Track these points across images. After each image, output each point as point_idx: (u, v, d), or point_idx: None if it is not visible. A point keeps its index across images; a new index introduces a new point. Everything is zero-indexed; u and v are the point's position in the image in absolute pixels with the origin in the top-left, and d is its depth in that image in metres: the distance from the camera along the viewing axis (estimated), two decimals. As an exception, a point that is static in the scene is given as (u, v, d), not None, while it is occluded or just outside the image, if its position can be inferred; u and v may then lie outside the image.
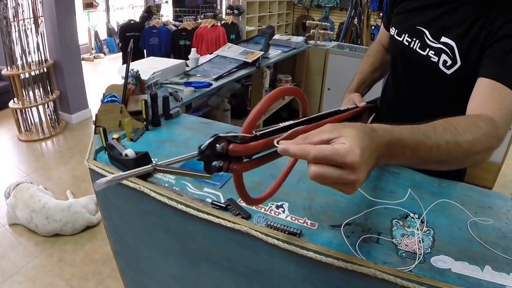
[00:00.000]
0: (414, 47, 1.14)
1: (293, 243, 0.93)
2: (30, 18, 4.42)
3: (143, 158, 1.26)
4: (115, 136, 1.46)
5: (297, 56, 3.50)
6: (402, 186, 1.16)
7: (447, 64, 1.05)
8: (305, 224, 0.99)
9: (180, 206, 1.09)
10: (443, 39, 1.05)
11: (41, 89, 4.72)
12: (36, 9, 4.45)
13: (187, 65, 2.56)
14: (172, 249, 1.31)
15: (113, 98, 1.75)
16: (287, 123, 0.68)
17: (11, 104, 4.64)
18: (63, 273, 2.60)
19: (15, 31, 4.34)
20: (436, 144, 0.69)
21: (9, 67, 4.42)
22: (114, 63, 8.28)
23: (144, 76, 2.13)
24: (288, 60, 3.43)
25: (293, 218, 1.02)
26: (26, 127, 4.78)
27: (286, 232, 0.95)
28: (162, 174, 1.28)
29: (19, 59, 4.43)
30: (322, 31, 3.56)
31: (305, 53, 3.49)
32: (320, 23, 3.60)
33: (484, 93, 0.91)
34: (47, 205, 2.94)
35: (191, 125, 1.70)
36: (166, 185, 1.20)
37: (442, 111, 0.82)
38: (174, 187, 1.19)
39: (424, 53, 1.11)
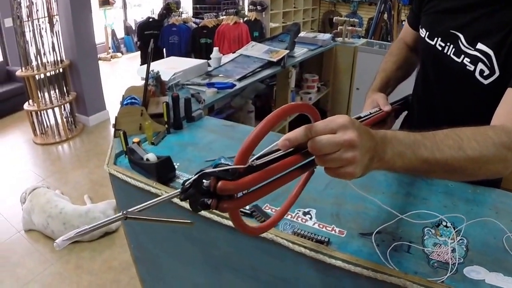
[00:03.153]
0: (448, 53, 1.12)
1: (321, 252, 0.95)
2: (44, 17, 4.53)
3: (165, 163, 1.31)
4: (136, 139, 1.50)
5: (324, 54, 3.52)
6: (435, 192, 1.17)
7: (484, 74, 1.03)
8: (333, 232, 1.02)
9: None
10: (480, 46, 1.03)
11: (57, 91, 4.85)
12: (51, 8, 4.57)
13: (209, 65, 2.60)
14: (194, 257, 1.35)
15: (133, 100, 1.80)
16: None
17: (26, 106, 4.78)
18: (80, 281, 2.67)
19: (29, 31, 4.46)
20: (437, 147, 0.72)
21: (23, 68, 4.55)
22: (132, 63, 8.43)
23: (165, 77, 2.19)
24: (315, 59, 3.45)
25: (321, 226, 1.04)
26: (42, 130, 4.92)
27: (314, 240, 0.98)
28: (182, 177, 1.32)
29: (33, 59, 4.55)
30: (350, 27, 3.57)
31: (332, 51, 3.51)
32: (348, 19, 3.62)
33: (509, 104, 0.91)
34: (64, 211, 3.02)
35: (214, 128, 1.74)
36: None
37: (474, 118, 0.82)
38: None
39: (459, 60, 1.09)
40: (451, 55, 1.11)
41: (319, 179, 1.21)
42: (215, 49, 2.64)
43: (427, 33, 1.21)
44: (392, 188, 1.18)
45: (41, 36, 4.53)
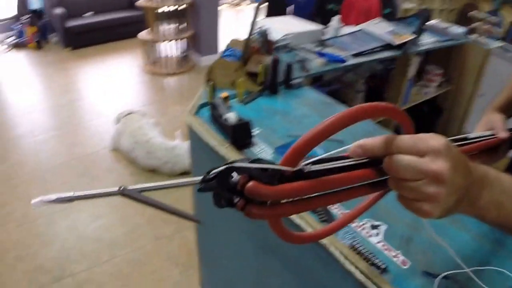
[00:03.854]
0: None
1: (372, 279, 0.83)
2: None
3: (242, 127, 1.24)
4: (224, 94, 1.45)
5: (453, 49, 3.20)
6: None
7: None
8: (395, 259, 0.89)
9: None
10: None
11: (174, 26, 4.96)
12: None
13: (324, 34, 2.47)
14: (247, 238, 1.30)
15: (232, 53, 1.75)
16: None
17: (141, 35, 4.97)
18: (145, 211, 2.76)
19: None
20: None
21: (145, -1, 4.69)
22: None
23: (275, 36, 2.10)
24: (442, 52, 3.15)
25: (385, 247, 0.92)
26: (153, 59, 5.09)
27: (369, 263, 0.86)
28: (258, 146, 1.24)
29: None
30: (487, 26, 3.19)
31: (462, 48, 3.17)
32: (486, 16, 3.23)
33: None
34: (152, 141, 3.12)
35: (311, 101, 1.63)
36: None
37: None
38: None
39: None
40: None
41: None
42: (337, 17, 2.49)
43: None
44: (483, 229, 0.99)
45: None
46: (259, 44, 1.89)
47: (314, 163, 0.46)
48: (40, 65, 5.35)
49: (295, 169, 0.44)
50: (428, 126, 3.31)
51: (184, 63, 5.19)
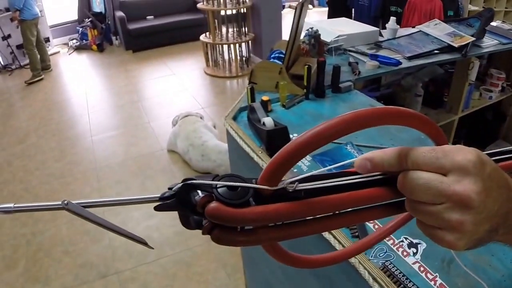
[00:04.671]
0: None
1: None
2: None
3: (279, 133, 1.18)
4: (265, 98, 1.41)
5: (517, 52, 2.97)
6: None
7: None
8: (432, 283, 0.79)
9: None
10: None
11: (235, 29, 5.01)
12: None
13: (381, 35, 2.36)
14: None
15: (280, 55, 1.70)
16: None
17: (202, 37, 5.05)
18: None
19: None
20: None
21: (205, 1, 4.77)
22: (321, 16, 8.30)
23: (327, 38, 2.03)
24: (506, 54, 2.93)
25: (422, 268, 0.82)
26: (214, 62, 5.13)
27: (401, 286, 0.78)
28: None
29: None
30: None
31: (526, 51, 2.93)
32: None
33: None
34: (206, 144, 3.14)
35: (359, 106, 1.55)
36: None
37: None
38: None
39: None
40: None
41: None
42: (392, 19, 2.38)
43: None
44: None
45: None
46: (309, 46, 1.83)
47: (302, 180, 0.37)
48: (101, 66, 5.58)
49: (274, 188, 0.36)
50: (491, 133, 3.10)
51: (244, 66, 5.20)
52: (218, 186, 0.34)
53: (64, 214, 2.77)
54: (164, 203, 0.36)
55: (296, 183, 0.36)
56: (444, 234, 0.38)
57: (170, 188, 0.36)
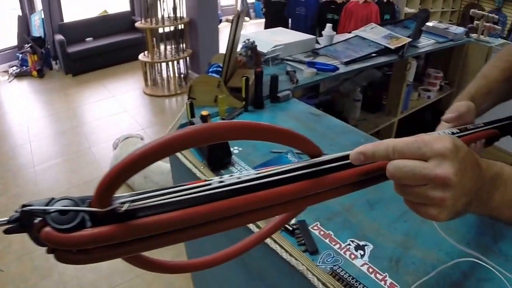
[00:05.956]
0: None
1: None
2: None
3: (220, 147, 1.15)
4: (205, 112, 1.37)
5: (454, 50, 3.10)
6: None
7: None
8: (382, 283, 0.78)
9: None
10: None
11: (172, 46, 4.95)
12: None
13: (318, 42, 2.39)
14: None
15: (218, 69, 1.67)
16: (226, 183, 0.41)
17: (141, 56, 4.96)
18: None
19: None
20: None
21: (143, 20, 4.70)
22: (259, 28, 8.40)
23: (264, 48, 2.03)
24: (442, 53, 3.05)
25: (371, 270, 0.81)
26: (153, 81, 5.06)
27: (352, 289, 0.76)
28: (238, 165, 1.16)
29: (157, 13, 4.64)
30: (487, 24, 3.08)
31: (463, 48, 3.06)
32: (486, 13, 3.11)
33: None
34: (148, 166, 3.04)
35: (299, 114, 1.55)
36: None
37: None
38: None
39: None
40: None
41: (393, 206, 0.99)
42: (328, 26, 2.41)
43: None
44: (484, 240, 0.87)
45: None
46: (246, 58, 1.81)
47: (136, 200, 0.37)
48: (42, 93, 5.36)
49: (105, 209, 0.35)
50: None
51: (183, 83, 5.15)
52: (50, 211, 0.35)
53: (13, 250, 2.63)
54: (11, 227, 0.36)
55: (127, 203, 0.36)
56: (429, 209, 0.47)
57: (16, 211, 0.36)
